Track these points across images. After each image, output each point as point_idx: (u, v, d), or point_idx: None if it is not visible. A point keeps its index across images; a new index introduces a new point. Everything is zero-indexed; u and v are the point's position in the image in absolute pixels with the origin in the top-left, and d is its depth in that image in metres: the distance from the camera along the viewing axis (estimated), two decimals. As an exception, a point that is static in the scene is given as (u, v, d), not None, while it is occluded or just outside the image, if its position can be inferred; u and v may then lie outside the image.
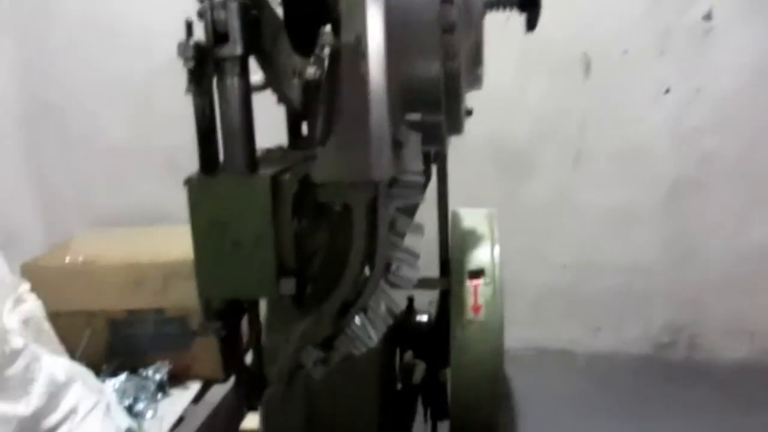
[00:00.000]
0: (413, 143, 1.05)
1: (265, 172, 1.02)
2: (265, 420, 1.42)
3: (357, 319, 1.08)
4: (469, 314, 1.53)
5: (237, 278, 1.02)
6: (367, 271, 1.10)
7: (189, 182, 1.01)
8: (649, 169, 2.32)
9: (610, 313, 2.44)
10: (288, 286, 1.01)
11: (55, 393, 1.65)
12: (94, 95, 2.55)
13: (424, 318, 1.75)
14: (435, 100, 1.08)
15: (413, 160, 1.04)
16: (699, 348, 2.42)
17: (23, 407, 1.56)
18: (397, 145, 1.00)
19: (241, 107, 1.03)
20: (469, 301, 1.54)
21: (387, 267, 1.06)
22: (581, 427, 1.95)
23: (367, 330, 1.08)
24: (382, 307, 1.07)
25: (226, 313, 1.10)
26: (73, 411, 1.70)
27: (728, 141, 2.27)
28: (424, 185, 1.29)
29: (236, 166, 1.03)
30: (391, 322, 1.14)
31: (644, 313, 2.42)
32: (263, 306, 1.35)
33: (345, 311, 1.08)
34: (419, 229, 1.07)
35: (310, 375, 1.27)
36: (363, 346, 1.09)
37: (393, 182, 1.02)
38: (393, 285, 1.07)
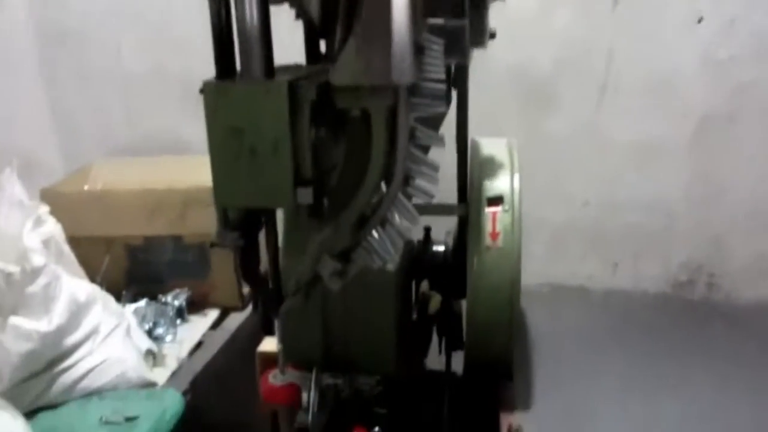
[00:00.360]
0: (435, 51, 1.01)
1: (283, 77, 1.00)
2: (283, 339, 1.43)
3: (374, 232, 1.07)
4: (487, 241, 1.52)
5: (254, 186, 1.00)
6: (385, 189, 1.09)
7: (205, 87, 0.99)
8: (678, 103, 2.24)
9: (629, 251, 2.42)
10: (305, 195, 1.00)
11: (76, 312, 1.68)
12: (110, 22, 2.51)
13: (440, 248, 1.74)
14: (458, 4, 1.04)
15: (435, 68, 1.01)
16: (718, 287, 2.39)
17: (45, 324, 1.59)
18: (419, 50, 0.97)
19: (258, 11, 0.99)
20: (488, 227, 1.53)
21: (406, 179, 1.05)
22: (595, 361, 1.96)
23: (384, 243, 1.07)
24: (398, 220, 1.06)
25: (243, 224, 1.10)
26: (94, 331, 1.73)
27: (762, 75, 2.18)
28: (447, 100, 1.26)
29: (253, 71, 1.00)
30: (408, 236, 1.13)
31: (664, 251, 2.39)
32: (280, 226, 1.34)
33: (363, 224, 1.07)
34: (439, 141, 1.04)
35: (327, 292, 1.27)
36: (380, 260, 1.08)
37: (414, 90, 0.99)
38: (411, 197, 1.06)
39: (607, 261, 2.45)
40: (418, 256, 1.71)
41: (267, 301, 1.18)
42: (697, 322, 2.20)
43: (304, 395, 1.29)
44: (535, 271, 2.20)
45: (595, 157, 2.33)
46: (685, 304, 2.35)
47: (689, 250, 2.39)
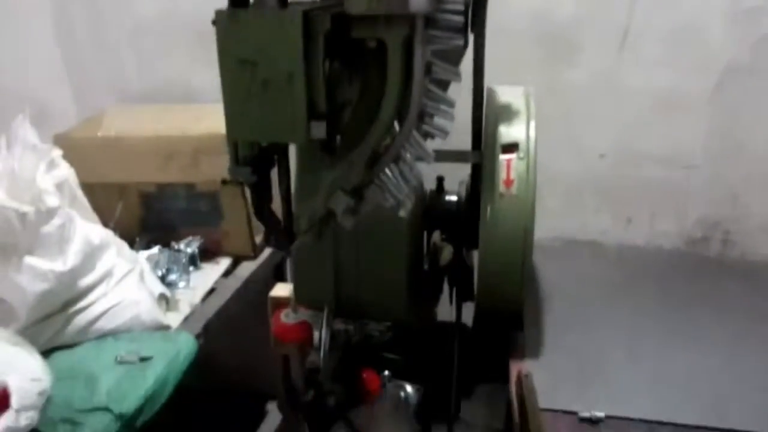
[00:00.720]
0: (454, -19, 0.98)
1: (296, 7, 0.97)
2: (295, 283, 1.44)
3: (387, 170, 1.06)
4: (501, 188, 1.50)
5: (266, 120, 0.99)
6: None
7: (218, 16, 0.97)
8: (700, 53, 2.16)
9: (645, 206, 2.38)
10: (319, 129, 0.98)
11: (90, 254, 1.69)
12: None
13: (453, 198, 1.73)
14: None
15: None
16: (733, 244, 2.36)
17: (60, 265, 1.60)
18: (437, -21, 0.94)
19: (271, -62, 0.97)
20: (502, 174, 1.51)
21: (421, 115, 1.03)
22: (606, 314, 1.95)
23: (397, 181, 1.06)
24: (411, 157, 1.04)
25: (256, 161, 1.09)
26: (108, 274, 1.75)
27: (789, 26, 2.11)
28: (464, 37, 1.23)
29: (267, 1, 0.98)
30: (421, 177, 1.12)
31: (680, 207, 2.36)
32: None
33: (376, 161, 1.06)
34: (456, 75, 1.02)
35: (339, 238, 1.26)
36: (392, 198, 1.08)
37: (431, 22, 0.97)
38: (426, 134, 1.04)
39: (621, 215, 2.42)
40: (430, 205, 1.70)
41: (279, 239, 1.18)
42: (711, 278, 2.18)
43: (316, 334, 1.30)
44: (549, 226, 2.18)
45: (613, 109, 2.28)
46: (699, 261, 2.33)
47: (705, 206, 2.35)
